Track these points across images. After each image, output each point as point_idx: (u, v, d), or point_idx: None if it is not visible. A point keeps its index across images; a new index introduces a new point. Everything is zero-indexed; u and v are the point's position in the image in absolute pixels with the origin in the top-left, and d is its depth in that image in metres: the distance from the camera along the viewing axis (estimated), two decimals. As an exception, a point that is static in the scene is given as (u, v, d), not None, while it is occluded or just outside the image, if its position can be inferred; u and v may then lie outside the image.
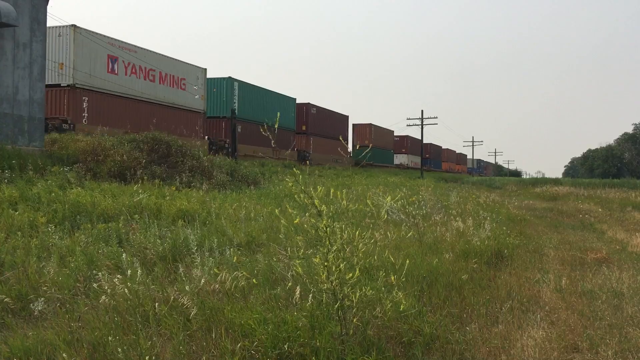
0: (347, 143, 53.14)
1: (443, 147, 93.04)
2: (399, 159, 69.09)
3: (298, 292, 4.58)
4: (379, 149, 58.96)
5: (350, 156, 52.27)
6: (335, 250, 4.06)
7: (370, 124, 57.22)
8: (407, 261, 5.10)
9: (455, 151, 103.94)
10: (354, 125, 57.72)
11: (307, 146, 43.00)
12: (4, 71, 14.39)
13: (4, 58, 14.38)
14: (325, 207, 4.17)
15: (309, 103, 43.59)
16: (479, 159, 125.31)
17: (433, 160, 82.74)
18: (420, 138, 73.80)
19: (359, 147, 53.58)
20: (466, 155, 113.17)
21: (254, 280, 5.01)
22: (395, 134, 67.75)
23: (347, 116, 52.57)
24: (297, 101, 42.75)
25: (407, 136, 70.70)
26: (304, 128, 43.06)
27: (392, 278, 4.67)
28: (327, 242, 4.08)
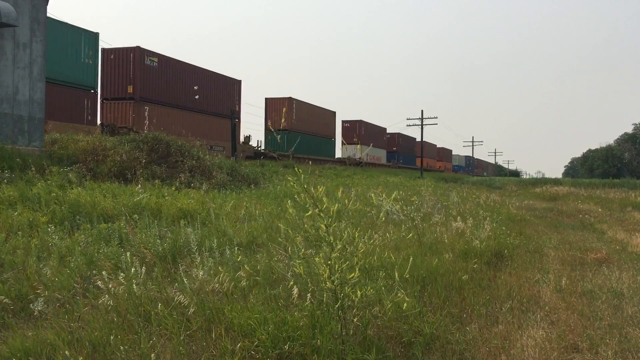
0: (237, 122, 33.22)
1: (418, 140, 76.76)
2: (350, 150, 52.76)
3: (296, 291, 4.58)
4: (310, 135, 43.58)
5: (246, 143, 35.45)
6: (338, 250, 4.07)
7: (290, 97, 41.54)
8: (407, 261, 5.11)
9: (435, 145, 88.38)
10: (266, 99, 41.96)
11: (136, 120, 25.82)
12: (4, 71, 14.39)
13: (4, 58, 14.38)
14: (327, 206, 4.17)
15: (138, 47, 26.17)
16: (468, 156, 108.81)
17: (403, 154, 68.35)
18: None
19: (277, 131, 40.90)
20: (451, 151, 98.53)
21: (258, 278, 5.01)
22: (345, 118, 54.40)
23: (239, 81, 34.29)
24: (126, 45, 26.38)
25: (360, 121, 55.10)
26: (130, 90, 26.00)
27: (396, 276, 4.67)
28: (332, 241, 4.08)
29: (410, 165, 69.71)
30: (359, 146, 52.81)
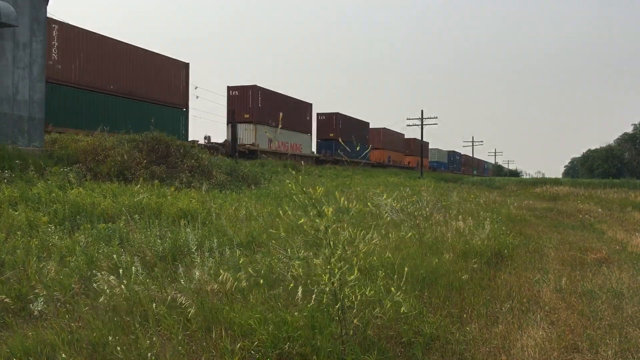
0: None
1: (373, 127, 57.20)
2: (241, 132, 34.31)
3: (299, 292, 4.58)
4: (120, 97, 24.80)
5: None
6: (339, 254, 4.06)
7: (52, 18, 20.94)
8: (407, 262, 5.11)
9: (402, 135, 66.99)
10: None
11: None
12: (4, 71, 14.39)
13: (3, 58, 14.38)
14: (326, 208, 4.17)
15: None
16: (453, 151, 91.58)
17: (348, 144, 45.51)
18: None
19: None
20: (427, 144, 77.37)
21: (261, 280, 5.01)
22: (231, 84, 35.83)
23: None
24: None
25: (254, 87, 35.58)
26: None
27: (395, 279, 4.67)
28: (331, 244, 4.07)
29: (358, 160, 47.42)
30: (252, 126, 34.75)
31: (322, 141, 46.33)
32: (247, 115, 35.09)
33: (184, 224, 8.46)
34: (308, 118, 43.40)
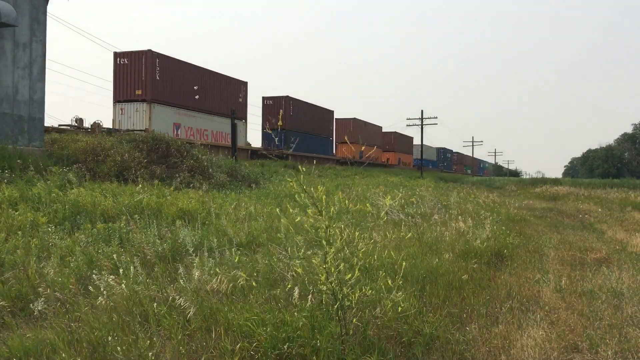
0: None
1: (339, 117, 49.17)
2: (130, 113, 26.89)
3: (297, 292, 4.58)
4: None
5: None
6: (333, 252, 4.06)
7: None
8: (406, 262, 5.11)
9: (380, 127, 58.10)
10: None
11: None
12: (4, 71, 14.38)
13: (3, 58, 14.37)
14: (325, 207, 4.17)
15: None
16: (442, 148, 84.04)
17: (304, 135, 40.21)
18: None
19: None
20: (412, 139, 68.18)
21: (253, 282, 5.02)
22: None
23: None
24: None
25: (150, 53, 26.76)
26: None
27: (395, 279, 4.67)
28: (325, 244, 4.08)
29: (317, 154, 39.66)
30: (146, 106, 26.41)
31: (273, 132, 38.41)
32: (139, 92, 26.44)
33: (180, 224, 8.46)
34: (241, 100, 34.30)
